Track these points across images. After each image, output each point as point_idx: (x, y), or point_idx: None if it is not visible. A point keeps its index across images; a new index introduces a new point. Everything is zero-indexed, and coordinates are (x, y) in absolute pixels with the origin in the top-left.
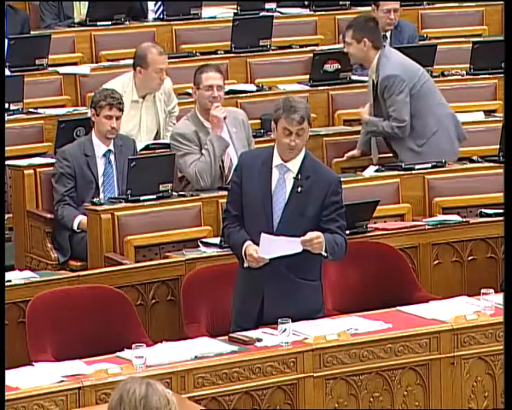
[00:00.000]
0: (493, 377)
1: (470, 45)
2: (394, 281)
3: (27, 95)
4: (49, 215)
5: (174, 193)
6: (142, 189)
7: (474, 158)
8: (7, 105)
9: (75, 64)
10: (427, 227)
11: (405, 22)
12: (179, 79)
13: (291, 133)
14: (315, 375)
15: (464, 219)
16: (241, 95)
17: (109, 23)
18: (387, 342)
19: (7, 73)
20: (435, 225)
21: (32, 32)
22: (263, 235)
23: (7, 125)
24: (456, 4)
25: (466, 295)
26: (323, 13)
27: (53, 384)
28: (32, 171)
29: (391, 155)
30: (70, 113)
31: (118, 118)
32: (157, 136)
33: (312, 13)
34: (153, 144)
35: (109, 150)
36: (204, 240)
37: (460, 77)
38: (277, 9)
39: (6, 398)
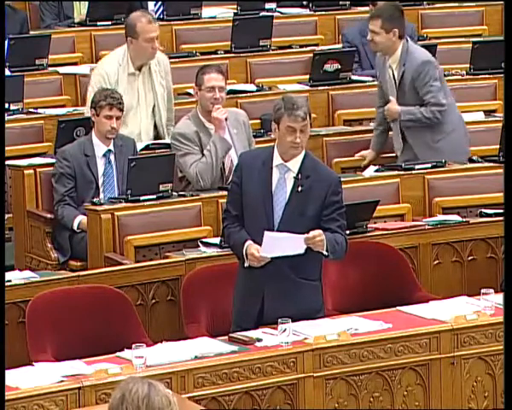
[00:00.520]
0: (493, 377)
1: (470, 45)
2: (394, 281)
3: (27, 95)
4: (49, 215)
5: (174, 193)
6: (142, 189)
7: (474, 158)
8: (7, 105)
9: (75, 64)
10: (427, 227)
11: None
12: (179, 79)
13: (295, 130)
14: (315, 375)
15: (464, 219)
16: (241, 95)
17: (109, 23)
18: (387, 342)
19: (7, 73)
20: (435, 225)
21: (31, 32)
22: (266, 233)
23: (7, 125)
24: (456, 4)
25: (466, 295)
26: (323, 13)
27: (53, 384)
28: (31, 171)
29: (392, 154)
30: (70, 113)
31: (118, 118)
32: (154, 110)
33: (312, 13)
34: (153, 144)
35: (109, 150)
36: (204, 240)
37: (460, 77)
38: (277, 9)
39: (6, 398)
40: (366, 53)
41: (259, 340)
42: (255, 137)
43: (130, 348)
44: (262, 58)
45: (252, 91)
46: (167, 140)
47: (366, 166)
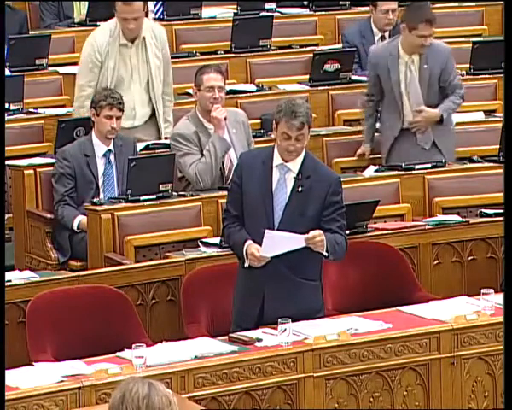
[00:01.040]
0: (493, 377)
1: (470, 45)
2: (394, 281)
3: (27, 95)
4: (49, 215)
5: (174, 193)
6: (142, 189)
7: (474, 158)
8: (7, 105)
9: (75, 64)
10: (427, 227)
11: None
12: (179, 79)
13: (290, 138)
14: (315, 375)
15: (464, 219)
16: (241, 95)
17: None
18: (387, 342)
19: (7, 73)
20: (435, 225)
21: (31, 32)
22: (267, 231)
23: (7, 125)
24: (456, 4)
25: (466, 295)
26: (323, 13)
27: (53, 384)
28: (31, 171)
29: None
30: (70, 113)
31: (118, 118)
32: (148, 84)
33: (312, 13)
34: (153, 144)
35: (109, 150)
36: (204, 240)
37: (460, 77)
38: (277, 9)
39: (6, 398)
40: (366, 53)
41: (259, 340)
42: (255, 137)
43: (130, 348)
44: (262, 58)
45: (252, 91)
46: (161, 116)
47: (366, 167)
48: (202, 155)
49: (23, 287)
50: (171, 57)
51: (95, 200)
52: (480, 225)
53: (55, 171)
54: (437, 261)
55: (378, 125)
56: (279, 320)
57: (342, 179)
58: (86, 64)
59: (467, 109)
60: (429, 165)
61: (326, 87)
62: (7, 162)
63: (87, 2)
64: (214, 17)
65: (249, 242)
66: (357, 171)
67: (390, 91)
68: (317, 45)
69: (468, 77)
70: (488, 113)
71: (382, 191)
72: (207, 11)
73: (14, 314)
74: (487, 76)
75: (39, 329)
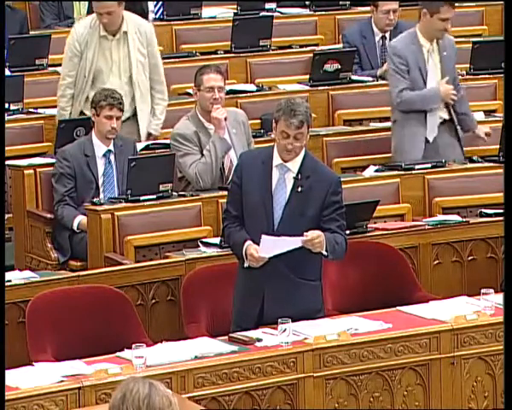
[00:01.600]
0: (493, 377)
1: (470, 45)
2: (394, 281)
3: (27, 95)
4: (49, 215)
5: (174, 193)
6: (142, 189)
7: (474, 158)
8: (7, 105)
9: None
10: (427, 227)
11: (404, 23)
12: (179, 79)
13: (289, 136)
14: (315, 375)
15: (464, 219)
16: (241, 95)
17: None
18: (387, 342)
19: (7, 73)
20: (435, 225)
21: (31, 32)
22: (263, 237)
23: (7, 125)
24: (456, 4)
25: (466, 295)
26: (323, 13)
27: (53, 384)
28: (32, 171)
29: (391, 155)
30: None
31: (118, 118)
32: (131, 81)
33: (312, 13)
34: (153, 144)
35: (109, 150)
36: (204, 240)
37: (460, 77)
38: (277, 9)
39: (6, 398)
40: (367, 53)
41: (259, 340)
42: (255, 137)
43: (130, 348)
44: (262, 58)
45: (252, 91)
46: (144, 113)
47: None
48: (202, 155)
49: (23, 287)
50: (171, 57)
51: (95, 200)
52: (480, 225)
53: (55, 171)
54: (437, 261)
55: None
56: (279, 320)
57: (342, 179)
58: (67, 53)
59: None
60: (429, 165)
61: (326, 87)
62: (7, 162)
63: (87, 3)
64: (214, 17)
65: (249, 242)
66: (357, 171)
67: (413, 82)
68: (317, 45)
69: (468, 77)
70: (488, 113)
71: (382, 191)
72: (207, 11)
73: (14, 314)
74: (487, 76)
75: (39, 329)
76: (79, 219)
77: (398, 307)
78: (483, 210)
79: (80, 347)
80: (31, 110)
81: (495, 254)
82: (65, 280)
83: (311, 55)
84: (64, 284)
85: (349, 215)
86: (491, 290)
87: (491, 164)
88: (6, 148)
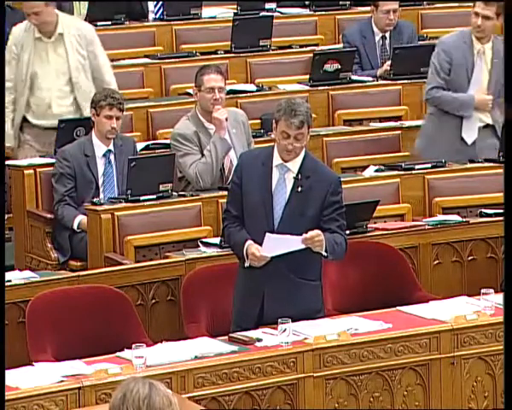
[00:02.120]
0: (493, 377)
1: None
2: (394, 281)
3: None
4: (49, 215)
5: (174, 193)
6: (142, 189)
7: (474, 158)
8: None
9: None
10: (427, 227)
11: (404, 23)
12: (179, 79)
13: (289, 136)
14: (315, 375)
15: (464, 219)
16: (241, 95)
17: (109, 23)
18: (387, 342)
19: None
20: (435, 225)
21: None
22: (267, 235)
23: None
24: (456, 4)
25: (466, 295)
26: (323, 13)
27: (53, 384)
28: (31, 171)
29: (391, 155)
30: None
31: (118, 118)
32: (71, 83)
33: (312, 13)
34: (153, 144)
35: (109, 150)
36: (204, 240)
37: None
38: (277, 9)
39: (6, 398)
40: (366, 53)
41: (259, 340)
42: (255, 137)
43: (130, 348)
44: (262, 58)
45: (252, 91)
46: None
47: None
48: (202, 155)
49: (23, 287)
50: (171, 57)
51: (95, 200)
52: (480, 225)
53: (55, 171)
54: (437, 261)
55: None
56: (279, 320)
57: (342, 179)
58: (5, 58)
59: None
60: (429, 165)
61: (326, 87)
62: (7, 162)
63: (87, 3)
64: (214, 17)
65: (249, 242)
66: (357, 171)
67: (456, 81)
68: (317, 45)
69: None
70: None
71: (382, 191)
72: (207, 11)
73: (14, 314)
74: None
75: (39, 329)
76: (80, 219)
77: (398, 307)
78: (483, 210)
79: (80, 347)
80: None
81: (495, 254)
82: (65, 280)
83: (311, 55)
84: (64, 284)
85: (349, 215)
86: (491, 290)
87: (491, 164)
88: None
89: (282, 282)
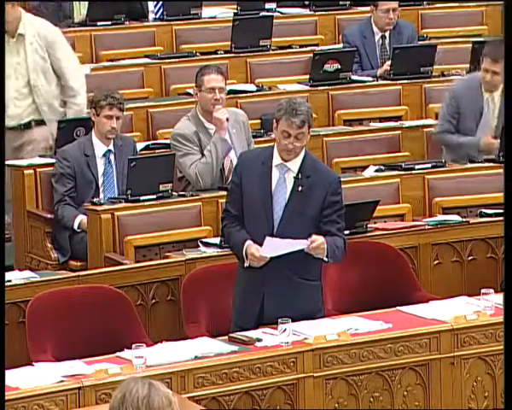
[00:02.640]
0: (493, 377)
1: (470, 45)
2: (394, 281)
3: None
4: (49, 215)
5: (174, 193)
6: (142, 189)
7: (474, 158)
8: None
9: None
10: (427, 227)
11: (404, 23)
12: (179, 79)
13: (290, 136)
14: (315, 375)
15: (464, 219)
16: (241, 95)
17: (109, 23)
18: (387, 342)
19: None
20: (435, 225)
21: None
22: (267, 238)
23: None
24: (456, 4)
25: (466, 295)
26: (323, 13)
27: (53, 384)
28: (31, 171)
29: (391, 155)
30: None
31: (118, 118)
32: (29, 85)
33: (312, 13)
34: (153, 144)
35: (109, 150)
36: (204, 240)
37: (460, 77)
38: (277, 9)
39: (6, 398)
40: (366, 53)
41: (259, 340)
42: (255, 137)
43: (130, 348)
44: (262, 58)
45: (252, 91)
46: (51, 116)
47: (366, 167)
48: (202, 155)
49: (23, 287)
50: (171, 57)
51: (95, 200)
52: (480, 225)
53: (55, 171)
54: (437, 261)
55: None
56: (279, 320)
57: (342, 179)
58: None
59: None
60: (429, 165)
61: (326, 87)
62: (7, 162)
63: (87, 3)
64: (214, 17)
65: (249, 242)
66: (357, 171)
67: (464, 126)
68: (317, 45)
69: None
70: None
71: (382, 191)
72: (207, 11)
73: (14, 314)
74: None
75: (39, 329)
76: (80, 219)
77: (398, 307)
78: (483, 210)
79: (80, 347)
80: None
81: (495, 254)
82: (65, 280)
83: (311, 55)
84: (64, 284)
85: (349, 215)
86: (491, 290)
87: (491, 164)
88: None
89: (281, 282)
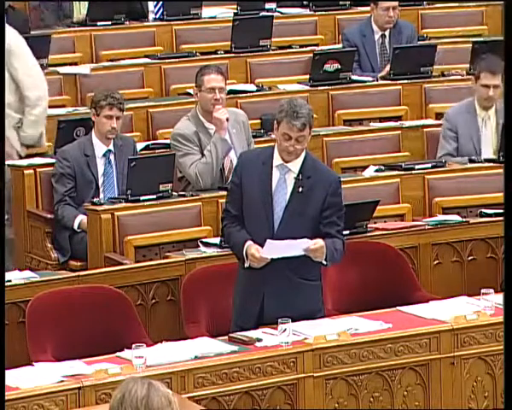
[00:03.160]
0: (493, 377)
1: (470, 45)
2: (394, 281)
3: None
4: (49, 215)
5: (174, 193)
6: (142, 189)
7: (474, 158)
8: None
9: (75, 64)
10: (427, 227)
11: (404, 23)
12: (179, 79)
13: (290, 138)
14: (315, 375)
15: (464, 219)
16: (241, 95)
17: (109, 23)
18: (387, 342)
19: None
20: (435, 225)
21: (32, 32)
22: (268, 241)
23: None
24: (456, 4)
25: (466, 295)
26: (323, 13)
27: (53, 384)
28: (31, 171)
29: (391, 154)
30: (70, 113)
31: (118, 118)
32: None
33: (312, 13)
34: (153, 144)
35: (109, 150)
36: (204, 240)
37: (460, 77)
38: (277, 9)
39: (6, 398)
40: (366, 53)
41: (259, 340)
42: (255, 137)
43: (130, 348)
44: (262, 58)
45: (252, 91)
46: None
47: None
48: (202, 155)
49: (23, 287)
50: (171, 57)
51: (95, 200)
52: (480, 225)
53: (55, 171)
54: (437, 261)
55: None
56: (279, 320)
57: (342, 179)
58: None
59: None
60: (429, 165)
61: (326, 87)
62: (7, 162)
63: (87, 3)
64: (214, 17)
65: (249, 242)
66: (357, 171)
67: (464, 149)
68: (317, 45)
69: (468, 77)
70: None
71: (382, 191)
72: (207, 11)
73: (14, 314)
74: None
75: (39, 329)
76: (80, 219)
77: (398, 307)
78: (483, 210)
79: (80, 347)
80: None
81: (495, 254)
82: (65, 280)
83: (311, 55)
84: (64, 284)
85: (349, 215)
86: (491, 290)
87: (491, 164)
88: None
89: (282, 282)
